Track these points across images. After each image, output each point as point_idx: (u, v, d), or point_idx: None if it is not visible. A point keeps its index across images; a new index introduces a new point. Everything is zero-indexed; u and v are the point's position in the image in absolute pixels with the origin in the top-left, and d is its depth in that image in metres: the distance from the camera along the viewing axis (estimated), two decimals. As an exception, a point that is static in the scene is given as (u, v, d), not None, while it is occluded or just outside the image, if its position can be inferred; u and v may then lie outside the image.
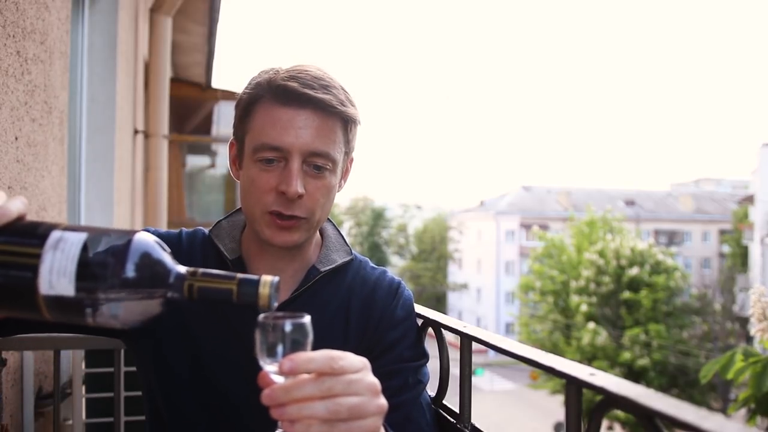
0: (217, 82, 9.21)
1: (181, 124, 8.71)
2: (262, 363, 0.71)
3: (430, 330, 1.20)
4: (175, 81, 6.69)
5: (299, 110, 1.02)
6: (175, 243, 1.14)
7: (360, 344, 1.10)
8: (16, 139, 1.60)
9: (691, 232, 41.09)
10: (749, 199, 29.96)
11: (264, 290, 0.69)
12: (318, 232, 1.17)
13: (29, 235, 0.67)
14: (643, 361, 20.56)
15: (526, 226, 37.63)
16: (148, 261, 0.68)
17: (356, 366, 0.72)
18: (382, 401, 0.74)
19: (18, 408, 1.77)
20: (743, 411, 2.04)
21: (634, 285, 22.22)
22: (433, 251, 42.45)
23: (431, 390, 1.20)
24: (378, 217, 42.54)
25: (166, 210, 4.90)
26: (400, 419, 1.02)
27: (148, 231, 1.10)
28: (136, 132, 4.35)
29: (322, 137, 1.02)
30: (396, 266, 41.57)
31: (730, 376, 1.98)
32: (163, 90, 4.80)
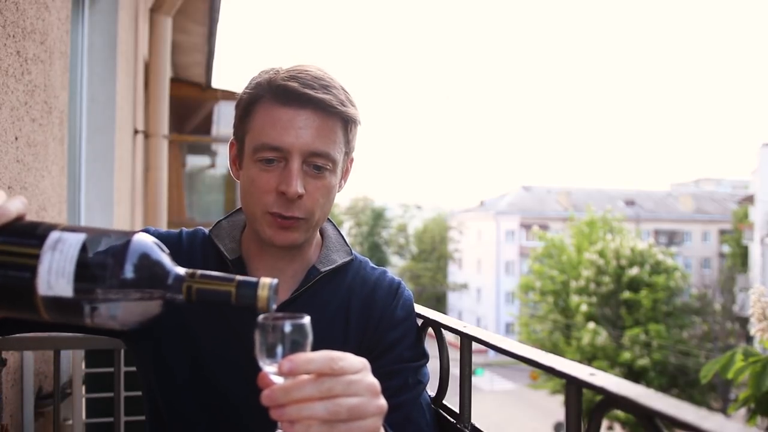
0: (217, 82, 9.22)
1: (181, 124, 8.71)
2: (261, 364, 0.71)
3: (430, 330, 1.20)
4: (175, 81, 6.68)
5: (299, 110, 1.02)
6: (175, 243, 1.14)
7: (360, 344, 1.10)
8: (16, 139, 1.60)
9: (691, 232, 41.09)
10: (749, 199, 29.96)
11: (263, 292, 0.69)
12: (318, 232, 1.17)
13: (28, 236, 0.67)
14: (643, 361, 20.56)
15: (526, 226, 37.63)
16: (146, 262, 0.68)
17: (356, 366, 0.72)
18: (382, 402, 0.74)
19: (18, 408, 1.77)
20: (743, 411, 2.05)
21: (634, 285, 22.22)
22: (433, 251, 42.44)
23: (431, 390, 1.20)
24: (378, 217, 42.53)
25: (166, 210, 4.90)
26: (400, 419, 1.02)
27: (148, 231, 1.10)
28: (136, 132, 4.35)
29: (322, 137, 1.02)
30: (396, 266, 41.56)
31: (730, 375, 1.98)
32: (163, 90, 4.80)
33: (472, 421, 1.12)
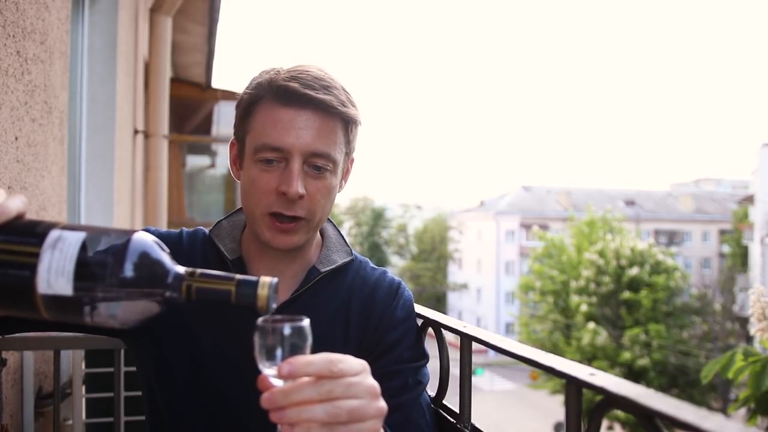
0: (217, 82, 9.21)
1: (181, 124, 8.71)
2: (261, 366, 0.71)
3: (430, 330, 1.20)
4: (175, 81, 6.68)
5: (300, 111, 1.02)
6: (175, 243, 1.14)
7: (360, 345, 1.10)
8: (16, 139, 1.60)
9: (691, 232, 41.09)
10: (749, 199, 29.96)
11: (262, 291, 0.69)
12: (318, 232, 1.17)
13: (28, 234, 0.67)
14: (643, 361, 20.56)
15: (526, 226, 37.63)
16: (146, 261, 0.68)
17: (355, 369, 0.72)
18: (382, 404, 0.74)
19: (18, 408, 1.77)
20: (743, 411, 2.04)
21: (634, 285, 22.22)
22: (433, 251, 42.44)
23: (431, 390, 1.20)
24: (378, 217, 42.53)
25: (166, 210, 4.90)
26: (400, 420, 1.02)
27: (148, 231, 1.10)
28: (136, 132, 4.35)
29: (322, 138, 1.02)
30: (396, 266, 41.56)
31: (730, 375, 1.97)
32: (163, 90, 4.80)
33: (472, 421, 1.12)
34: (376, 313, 1.12)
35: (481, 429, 1.09)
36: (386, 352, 1.09)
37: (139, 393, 1.19)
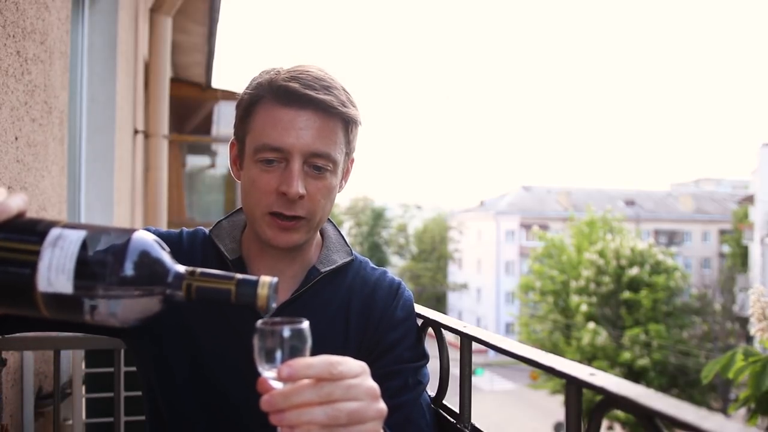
0: (217, 82, 9.22)
1: (181, 124, 8.71)
2: (260, 369, 0.71)
3: (430, 330, 1.20)
4: (175, 81, 6.68)
5: (300, 111, 1.02)
6: (175, 242, 1.14)
7: (360, 345, 1.10)
8: (16, 139, 1.60)
9: (691, 232, 41.09)
10: (749, 199, 29.96)
11: (262, 291, 0.69)
12: (318, 232, 1.17)
13: (28, 232, 0.67)
14: (643, 361, 20.56)
15: (526, 226, 37.63)
16: (146, 260, 0.68)
17: (355, 371, 0.72)
18: (382, 406, 0.74)
19: (18, 408, 1.77)
20: (743, 411, 2.04)
21: (634, 285, 22.22)
22: (433, 251, 42.44)
23: (431, 390, 1.19)
24: (378, 217, 42.53)
25: (166, 210, 4.90)
26: (400, 420, 1.02)
27: (149, 230, 1.10)
28: (136, 132, 4.35)
29: (322, 138, 1.02)
30: (396, 266, 41.56)
31: (730, 375, 1.97)
32: (163, 90, 4.80)
33: (472, 421, 1.12)
34: (376, 313, 1.12)
35: (481, 429, 1.09)
36: (386, 352, 1.09)
37: (139, 393, 1.19)
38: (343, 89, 1.07)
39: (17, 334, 1.60)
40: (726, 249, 35.29)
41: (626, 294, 22.05)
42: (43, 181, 1.89)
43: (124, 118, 3.77)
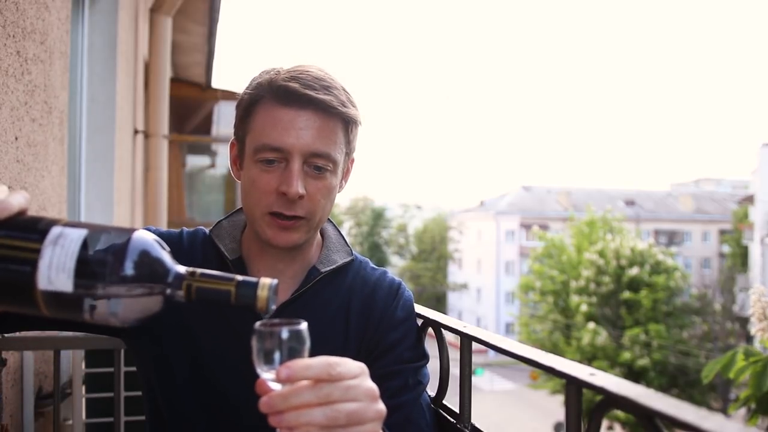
0: (217, 82, 9.22)
1: (181, 124, 8.71)
2: (259, 370, 0.71)
3: (430, 330, 1.20)
4: (175, 81, 6.68)
5: (300, 111, 1.02)
6: (176, 242, 1.14)
7: (360, 345, 1.10)
8: (16, 139, 1.60)
9: (691, 232, 41.09)
10: (749, 199, 29.96)
11: (262, 293, 0.69)
12: (318, 232, 1.17)
13: (29, 230, 0.67)
14: (643, 361, 20.56)
15: (526, 226, 37.63)
16: (146, 259, 0.68)
17: (354, 372, 0.72)
18: (381, 406, 0.74)
19: (18, 408, 1.77)
20: (743, 411, 2.05)
21: (634, 285, 22.22)
22: (433, 251, 42.44)
23: (431, 390, 1.19)
24: (378, 217, 42.53)
25: (166, 210, 4.90)
26: (400, 420, 1.02)
27: (149, 230, 1.10)
28: (136, 132, 4.35)
29: (322, 138, 1.02)
30: (396, 266, 41.56)
31: (731, 375, 1.98)
32: (163, 90, 4.80)
33: (472, 421, 1.12)
34: (377, 314, 1.12)
35: (481, 429, 1.09)
36: (386, 353, 1.09)
37: (139, 393, 1.19)
38: (343, 89, 1.07)
39: (17, 334, 1.61)
40: (726, 249, 35.29)
41: (626, 294, 22.04)
42: (43, 181, 1.89)
43: (124, 118, 3.77)
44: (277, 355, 0.69)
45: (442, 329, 1.18)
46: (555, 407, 22.04)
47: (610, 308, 22.35)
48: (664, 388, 20.20)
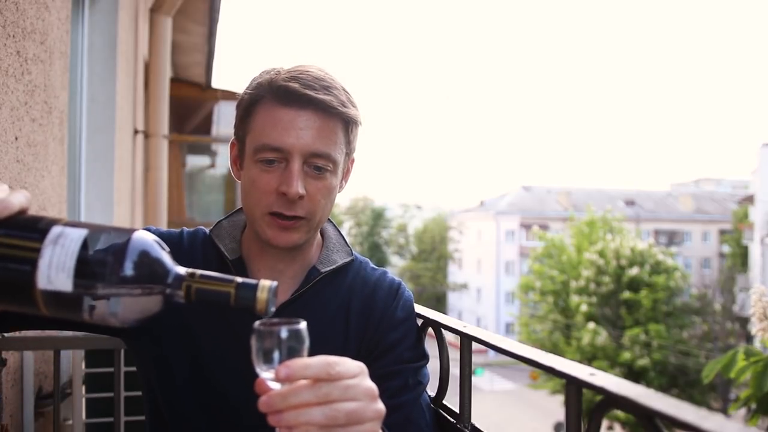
0: (217, 82, 9.22)
1: (181, 124, 8.71)
2: (258, 370, 0.70)
3: (430, 330, 1.20)
4: (175, 81, 6.68)
5: (300, 111, 1.02)
6: (176, 242, 1.14)
7: (360, 345, 1.10)
8: (16, 139, 1.60)
9: (691, 232, 41.09)
10: (749, 199, 29.96)
11: (262, 295, 0.69)
12: (318, 232, 1.17)
13: (30, 229, 0.67)
14: (643, 361, 20.56)
15: (526, 226, 37.62)
16: (146, 260, 0.68)
17: (353, 371, 0.72)
18: (380, 406, 0.74)
19: (18, 408, 1.76)
20: (743, 411, 2.05)
21: (634, 285, 22.22)
22: (433, 251, 42.44)
23: (431, 390, 1.19)
24: (378, 217, 42.53)
25: (166, 210, 4.91)
26: (400, 420, 1.02)
27: (149, 230, 1.10)
28: (136, 132, 4.35)
29: (323, 138, 1.02)
30: (396, 266, 41.56)
31: (732, 375, 1.97)
32: (163, 90, 4.80)
33: (472, 421, 1.12)
34: (377, 314, 1.12)
35: (481, 429, 1.09)
36: (386, 353, 1.09)
37: (139, 393, 1.19)
38: (344, 89, 1.07)
39: (17, 334, 1.61)
40: (726, 249, 35.29)
41: (626, 294, 22.04)
42: (43, 181, 1.88)
43: (124, 118, 3.77)
44: (276, 355, 0.69)
45: (442, 329, 1.18)
46: (555, 407, 22.04)
47: (610, 308, 22.35)
48: (664, 388, 20.20)
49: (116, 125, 3.49)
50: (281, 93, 1.02)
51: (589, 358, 20.97)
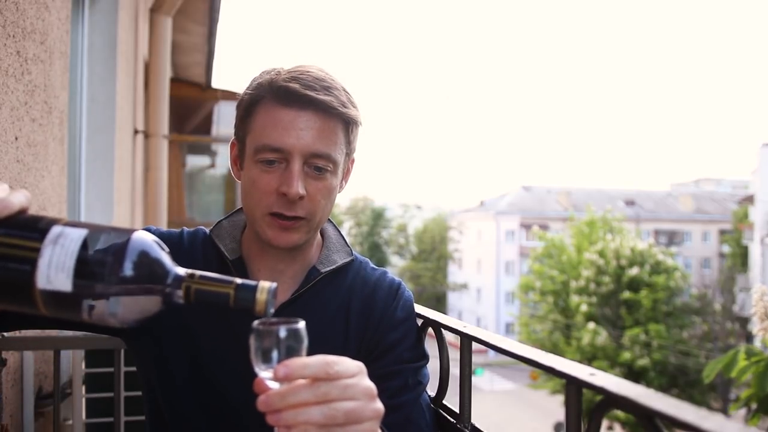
0: (217, 82, 9.22)
1: (181, 124, 8.71)
2: (257, 369, 0.70)
3: (430, 330, 1.20)
4: (175, 81, 6.69)
5: (300, 111, 1.02)
6: (176, 242, 1.14)
7: (360, 345, 1.10)
8: (16, 139, 1.60)
9: (691, 232, 41.09)
10: (749, 199, 29.96)
11: (261, 296, 0.69)
12: (319, 232, 1.17)
13: (30, 229, 0.67)
14: (643, 361, 20.56)
15: (526, 226, 37.62)
16: (146, 260, 0.68)
17: (351, 370, 0.72)
18: (379, 405, 0.74)
19: (18, 408, 1.76)
20: (743, 411, 2.04)
21: (634, 285, 22.21)
22: (433, 251, 42.44)
23: (431, 390, 1.19)
24: (378, 217, 42.53)
25: (166, 210, 4.91)
26: (400, 420, 1.02)
27: (149, 230, 1.10)
28: (136, 132, 4.35)
29: (323, 139, 1.02)
30: (396, 266, 41.56)
31: (733, 375, 1.97)
32: (163, 90, 4.80)
33: (472, 421, 1.12)
34: (377, 314, 1.12)
35: (481, 429, 1.09)
36: (386, 353, 1.09)
37: (139, 393, 1.19)
38: (344, 89, 1.07)
39: (17, 334, 1.61)
40: (726, 249, 35.29)
41: (626, 294, 22.04)
42: (43, 181, 1.88)
43: (124, 118, 3.77)
44: (274, 354, 0.69)
45: (442, 329, 1.18)
46: (555, 407, 22.04)
47: (610, 308, 22.35)
48: (664, 388, 20.20)
49: (116, 125, 3.49)
50: (282, 93, 1.02)
51: (589, 358, 20.97)
